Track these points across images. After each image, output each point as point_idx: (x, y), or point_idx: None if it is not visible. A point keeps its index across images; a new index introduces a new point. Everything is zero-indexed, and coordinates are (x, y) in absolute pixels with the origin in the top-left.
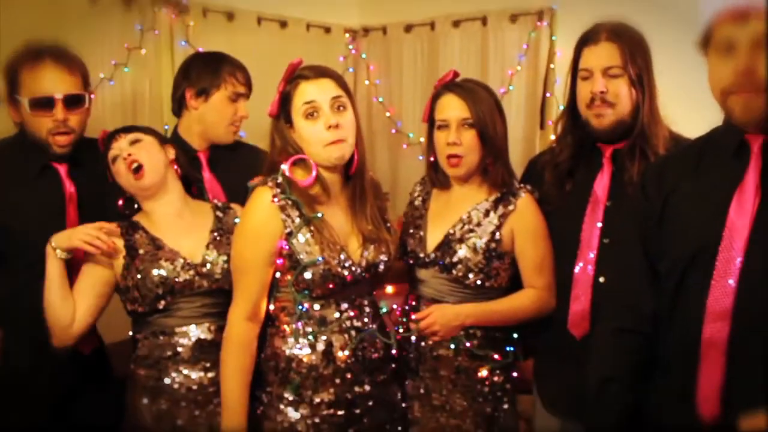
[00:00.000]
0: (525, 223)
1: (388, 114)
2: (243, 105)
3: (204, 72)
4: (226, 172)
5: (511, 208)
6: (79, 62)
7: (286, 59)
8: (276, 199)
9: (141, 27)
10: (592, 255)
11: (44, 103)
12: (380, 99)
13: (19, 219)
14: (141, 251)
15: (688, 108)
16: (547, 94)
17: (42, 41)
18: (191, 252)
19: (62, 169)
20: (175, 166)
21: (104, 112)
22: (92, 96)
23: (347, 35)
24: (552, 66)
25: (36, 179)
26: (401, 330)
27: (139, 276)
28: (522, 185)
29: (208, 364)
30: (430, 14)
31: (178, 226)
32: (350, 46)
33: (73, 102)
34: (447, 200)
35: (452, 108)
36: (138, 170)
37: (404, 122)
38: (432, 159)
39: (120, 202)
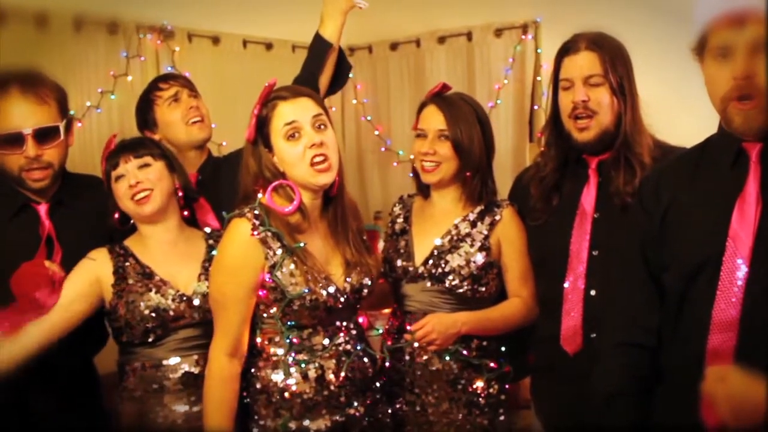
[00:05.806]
0: (512, 233)
1: (377, 132)
2: (186, 100)
3: (140, 108)
4: (217, 186)
5: (498, 218)
6: (54, 88)
7: None
8: (256, 233)
9: (126, 53)
10: (581, 268)
11: (12, 140)
12: (368, 118)
13: None
14: (130, 281)
15: (675, 116)
16: (535, 107)
17: (10, 68)
18: (184, 282)
19: (42, 209)
20: (180, 194)
21: (92, 140)
22: (79, 124)
23: None
24: (539, 78)
25: (12, 219)
26: (388, 345)
27: (127, 308)
28: (503, 199)
29: (193, 398)
30: (415, 31)
31: (172, 254)
32: None
33: (45, 135)
34: (430, 214)
35: (431, 119)
36: (142, 198)
37: (393, 140)
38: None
39: (116, 216)
